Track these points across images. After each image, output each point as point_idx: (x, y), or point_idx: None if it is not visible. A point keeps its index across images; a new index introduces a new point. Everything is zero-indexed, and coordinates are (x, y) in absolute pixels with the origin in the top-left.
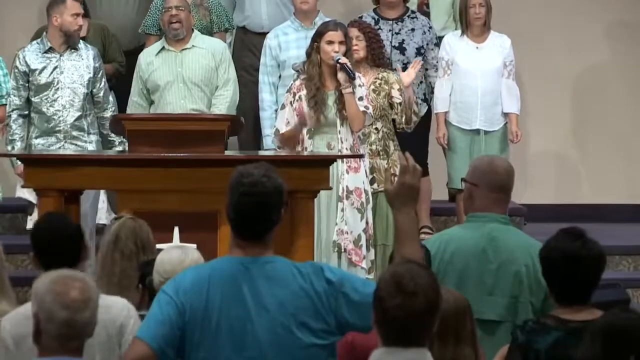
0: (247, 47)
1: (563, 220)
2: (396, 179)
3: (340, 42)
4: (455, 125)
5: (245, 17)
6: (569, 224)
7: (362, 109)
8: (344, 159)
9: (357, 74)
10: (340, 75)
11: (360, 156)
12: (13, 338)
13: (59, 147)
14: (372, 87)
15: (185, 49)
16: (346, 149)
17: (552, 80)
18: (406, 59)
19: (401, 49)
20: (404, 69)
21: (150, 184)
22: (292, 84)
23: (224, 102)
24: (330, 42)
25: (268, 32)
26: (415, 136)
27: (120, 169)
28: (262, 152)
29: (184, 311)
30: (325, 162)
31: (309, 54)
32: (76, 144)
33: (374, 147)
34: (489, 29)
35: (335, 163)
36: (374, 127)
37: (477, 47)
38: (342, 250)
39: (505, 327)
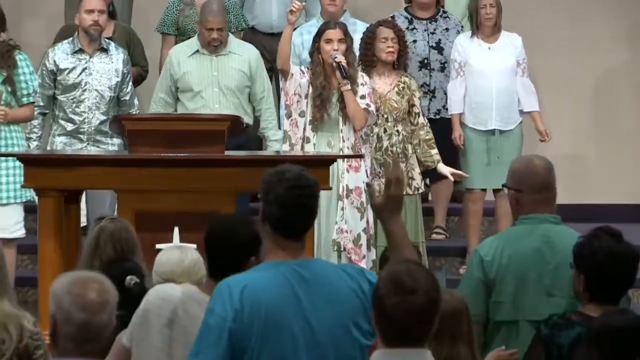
0: (255, 46)
1: (571, 221)
2: (406, 185)
3: (340, 40)
4: (471, 127)
5: (254, 17)
6: (573, 224)
7: (363, 106)
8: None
9: (360, 73)
10: (337, 74)
11: (360, 156)
12: None
13: (81, 149)
14: (396, 89)
15: (221, 54)
16: (347, 147)
17: (561, 82)
18: (444, 58)
19: (439, 48)
20: (442, 68)
21: (150, 184)
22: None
23: (273, 114)
24: (329, 41)
25: (278, 33)
26: (447, 136)
27: (120, 169)
28: (262, 153)
29: (244, 323)
30: (325, 162)
31: (311, 54)
32: (98, 147)
33: (394, 149)
34: (500, 29)
35: (335, 162)
36: (395, 129)
37: (489, 48)
38: (342, 249)
39: None
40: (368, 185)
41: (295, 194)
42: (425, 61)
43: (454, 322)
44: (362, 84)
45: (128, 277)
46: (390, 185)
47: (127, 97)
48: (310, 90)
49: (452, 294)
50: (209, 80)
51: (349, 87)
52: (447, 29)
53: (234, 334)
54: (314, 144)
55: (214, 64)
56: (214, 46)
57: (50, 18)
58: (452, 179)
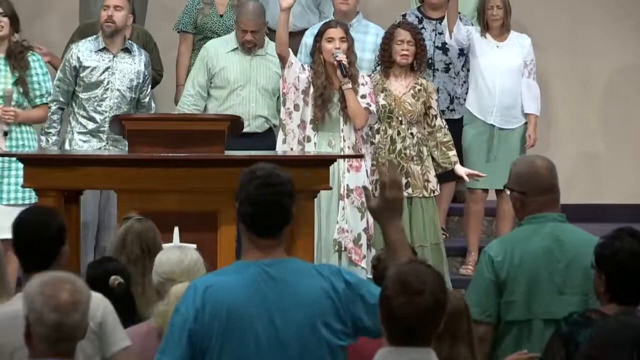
0: None
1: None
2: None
3: (341, 39)
4: (472, 115)
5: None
6: (577, 224)
7: (364, 106)
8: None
9: (361, 73)
10: (338, 73)
11: (360, 156)
12: None
13: (100, 148)
14: (412, 92)
15: (259, 55)
16: (348, 147)
17: (571, 81)
18: (448, 59)
19: (444, 49)
20: (447, 69)
21: (150, 184)
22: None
23: None
24: (331, 40)
25: (290, 32)
26: (453, 137)
27: (120, 169)
28: (262, 153)
29: (204, 323)
30: (325, 161)
31: (312, 54)
32: (116, 147)
33: (408, 151)
34: (508, 30)
35: (336, 162)
36: (409, 131)
37: (497, 46)
38: (343, 249)
39: None
40: (364, 188)
41: (265, 191)
42: (430, 61)
43: (454, 322)
44: (362, 84)
45: (112, 277)
46: (385, 188)
47: (147, 100)
48: (311, 89)
49: (453, 293)
50: (247, 78)
51: (350, 85)
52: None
53: (194, 333)
54: (315, 144)
55: (253, 64)
56: (248, 48)
57: (65, 15)
58: (467, 179)
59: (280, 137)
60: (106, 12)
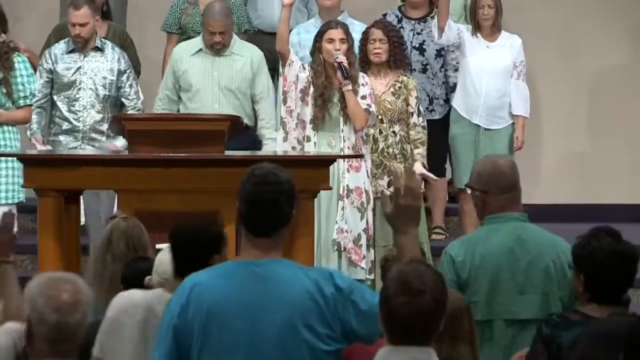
0: (258, 47)
1: (570, 221)
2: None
3: (341, 40)
4: (459, 115)
5: (258, 17)
6: (572, 224)
7: (364, 106)
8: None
9: (361, 74)
10: (338, 74)
11: (360, 156)
12: None
13: (76, 147)
14: (392, 89)
15: (224, 55)
16: (348, 147)
17: (563, 80)
18: (425, 59)
19: (421, 49)
20: (424, 70)
21: (150, 184)
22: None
23: (271, 113)
24: (331, 41)
25: None
26: (433, 138)
27: (120, 169)
28: (262, 153)
29: (187, 320)
30: (325, 162)
31: (312, 54)
32: (94, 145)
33: (390, 150)
34: (499, 30)
35: (336, 162)
36: (391, 130)
37: (487, 46)
38: (342, 249)
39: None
40: (382, 193)
41: (261, 189)
42: (408, 62)
43: (454, 321)
44: (362, 85)
45: (147, 278)
46: (399, 195)
47: (131, 91)
48: (311, 89)
49: (453, 293)
50: (209, 80)
51: (350, 87)
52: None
53: (177, 330)
54: (315, 144)
55: (215, 64)
56: (217, 49)
57: (45, 16)
58: (418, 178)
59: (280, 135)
60: (74, 29)
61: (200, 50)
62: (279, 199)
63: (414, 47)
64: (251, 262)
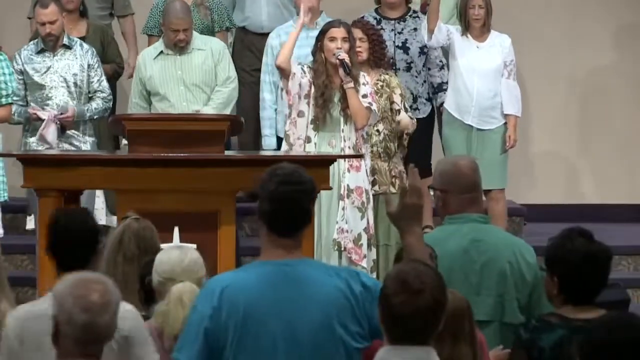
0: (247, 48)
1: (563, 221)
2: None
3: (343, 39)
4: (451, 116)
5: (246, 18)
6: (570, 224)
7: (365, 105)
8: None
9: (362, 73)
10: (340, 71)
11: (360, 156)
12: (18, 336)
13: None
14: (374, 88)
15: (185, 53)
16: (348, 147)
17: (554, 80)
18: (409, 58)
19: (404, 48)
20: (408, 68)
21: (150, 184)
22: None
23: (221, 97)
24: (333, 39)
25: (268, 33)
26: (418, 136)
27: (120, 169)
28: (262, 152)
29: (220, 322)
30: (325, 161)
31: (314, 53)
32: (71, 143)
33: (375, 148)
34: (489, 30)
35: (336, 161)
36: (375, 128)
37: (477, 47)
38: (342, 249)
39: (493, 327)
40: (386, 194)
41: (285, 189)
42: (391, 61)
43: (455, 321)
44: (363, 84)
45: (147, 278)
46: (406, 194)
47: (100, 85)
48: (312, 90)
49: (454, 293)
50: (174, 80)
51: (351, 84)
52: (415, 29)
53: (210, 332)
54: (315, 144)
55: (177, 64)
56: (180, 47)
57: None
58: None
59: (283, 147)
60: (44, 28)
61: (162, 52)
62: (303, 199)
63: (397, 47)
64: (281, 262)
